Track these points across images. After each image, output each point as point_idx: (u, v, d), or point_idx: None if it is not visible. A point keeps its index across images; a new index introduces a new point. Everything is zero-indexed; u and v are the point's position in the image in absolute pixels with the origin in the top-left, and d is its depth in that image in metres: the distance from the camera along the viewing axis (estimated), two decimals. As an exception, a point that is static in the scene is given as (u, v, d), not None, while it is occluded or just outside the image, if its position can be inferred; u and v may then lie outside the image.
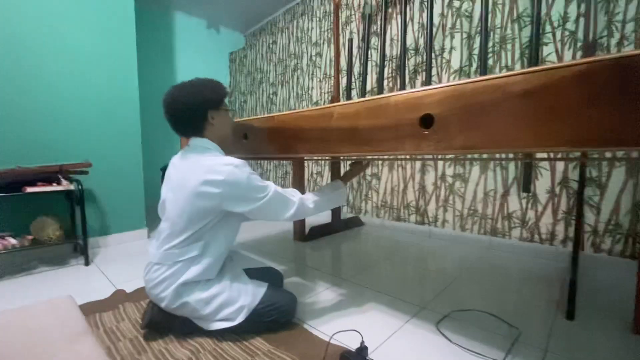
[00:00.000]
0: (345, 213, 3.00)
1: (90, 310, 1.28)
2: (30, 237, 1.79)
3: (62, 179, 1.82)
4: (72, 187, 1.82)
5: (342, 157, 1.79)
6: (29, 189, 1.69)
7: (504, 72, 0.68)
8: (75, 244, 2.09)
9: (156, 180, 3.23)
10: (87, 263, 1.86)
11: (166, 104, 1.10)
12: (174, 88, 1.11)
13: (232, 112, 1.27)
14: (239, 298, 1.09)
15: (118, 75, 2.28)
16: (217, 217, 1.07)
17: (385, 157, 1.95)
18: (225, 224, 1.11)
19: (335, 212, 2.60)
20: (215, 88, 1.13)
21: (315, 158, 1.75)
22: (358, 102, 0.93)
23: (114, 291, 1.46)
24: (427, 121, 0.78)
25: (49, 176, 1.81)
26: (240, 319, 1.07)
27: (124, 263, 1.90)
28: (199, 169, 1.02)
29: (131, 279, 1.63)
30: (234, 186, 1.01)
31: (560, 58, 1.76)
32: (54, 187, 1.77)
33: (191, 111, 1.09)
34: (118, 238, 2.30)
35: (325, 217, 3.02)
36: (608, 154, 1.61)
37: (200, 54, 4.07)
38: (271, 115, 1.24)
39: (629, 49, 1.56)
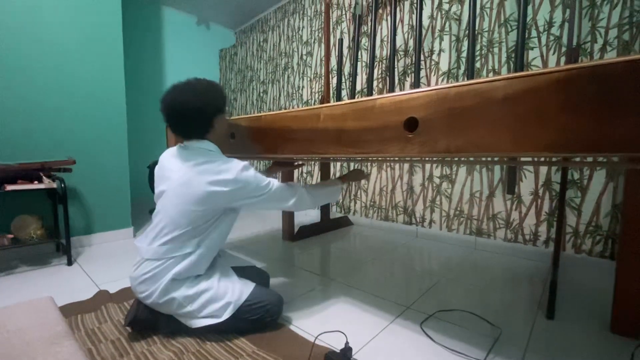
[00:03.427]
0: (335, 213, 3.01)
1: (71, 311, 1.26)
2: (10, 236, 1.74)
3: (44, 177, 1.77)
4: (54, 185, 1.77)
5: (331, 158, 1.80)
6: (9, 187, 1.65)
7: (490, 77, 0.69)
8: (57, 243, 2.04)
9: (143, 178, 3.19)
10: (69, 263, 1.82)
11: (172, 106, 1.08)
12: (179, 90, 1.09)
13: (228, 114, 1.33)
14: (225, 295, 1.09)
15: (103, 70, 2.23)
16: (218, 215, 1.10)
17: (373, 158, 1.96)
18: (222, 222, 1.13)
19: (325, 211, 2.60)
20: (221, 94, 1.16)
21: (305, 158, 1.75)
22: (345, 103, 0.93)
23: (97, 292, 1.43)
24: (411, 124, 0.79)
25: (31, 174, 1.76)
26: (226, 315, 1.07)
27: (108, 263, 1.86)
28: (207, 171, 1.05)
29: (115, 279, 1.61)
30: (243, 184, 1.06)
31: (545, 63, 1.79)
32: (36, 185, 1.73)
33: (200, 116, 1.10)
34: (102, 237, 2.26)
35: (314, 217, 3.03)
36: (589, 158, 1.65)
37: (189, 50, 4.02)
38: (259, 115, 1.24)
39: (611, 55, 1.60)
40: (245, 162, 1.10)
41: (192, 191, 1.04)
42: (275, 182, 1.13)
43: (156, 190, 1.16)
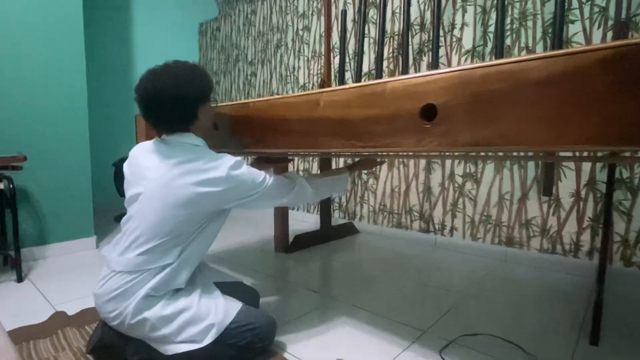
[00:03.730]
0: (337, 219, 3.01)
1: (22, 337, 1.26)
2: (-52, 247, 1.74)
3: (-12, 176, 1.77)
4: (1, 185, 1.77)
5: (332, 153, 1.80)
6: (-53, 188, 1.65)
7: (522, 55, 0.69)
8: (5, 255, 2.04)
9: (107, 178, 3.19)
10: (19, 279, 1.82)
11: (148, 95, 1.08)
12: (156, 76, 1.08)
13: (215, 102, 1.34)
14: (207, 315, 1.09)
15: (60, 51, 2.23)
16: (204, 219, 1.11)
17: (383, 153, 1.96)
18: (207, 228, 1.14)
19: (325, 217, 2.60)
20: (207, 79, 1.16)
21: (302, 153, 1.75)
22: (349, 88, 0.93)
23: (53, 313, 1.44)
24: (429, 112, 0.79)
25: (-27, 172, 1.76)
26: (208, 340, 1.06)
27: (66, 279, 1.87)
28: (193, 169, 1.05)
29: (74, 298, 1.61)
30: (236, 182, 1.08)
31: (588, 39, 1.79)
32: (-21, 186, 1.72)
33: (182, 106, 1.10)
34: (59, 248, 2.26)
35: (312, 224, 3.03)
36: (641, 152, 1.65)
37: (163, 25, 4.01)
38: (246, 101, 1.24)
39: (666, 30, 1.60)
40: (237, 158, 1.11)
41: (175, 193, 1.04)
42: (270, 177, 1.16)
43: (128, 193, 1.15)
